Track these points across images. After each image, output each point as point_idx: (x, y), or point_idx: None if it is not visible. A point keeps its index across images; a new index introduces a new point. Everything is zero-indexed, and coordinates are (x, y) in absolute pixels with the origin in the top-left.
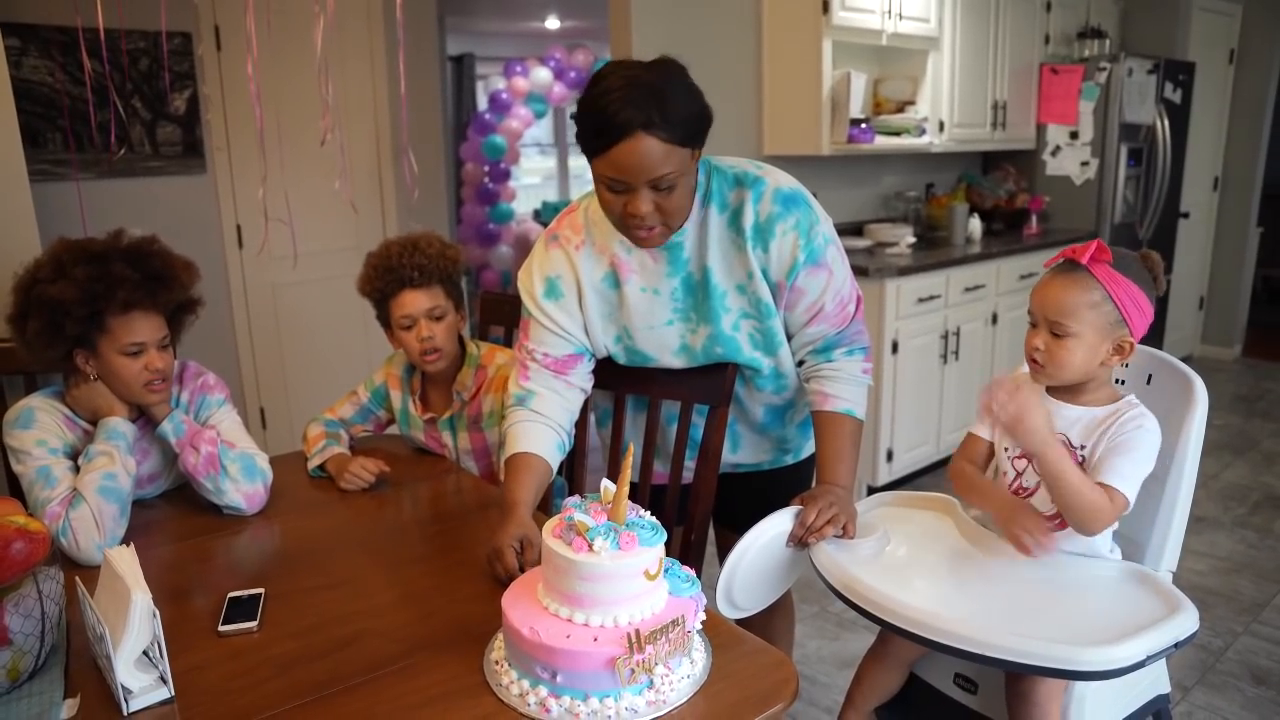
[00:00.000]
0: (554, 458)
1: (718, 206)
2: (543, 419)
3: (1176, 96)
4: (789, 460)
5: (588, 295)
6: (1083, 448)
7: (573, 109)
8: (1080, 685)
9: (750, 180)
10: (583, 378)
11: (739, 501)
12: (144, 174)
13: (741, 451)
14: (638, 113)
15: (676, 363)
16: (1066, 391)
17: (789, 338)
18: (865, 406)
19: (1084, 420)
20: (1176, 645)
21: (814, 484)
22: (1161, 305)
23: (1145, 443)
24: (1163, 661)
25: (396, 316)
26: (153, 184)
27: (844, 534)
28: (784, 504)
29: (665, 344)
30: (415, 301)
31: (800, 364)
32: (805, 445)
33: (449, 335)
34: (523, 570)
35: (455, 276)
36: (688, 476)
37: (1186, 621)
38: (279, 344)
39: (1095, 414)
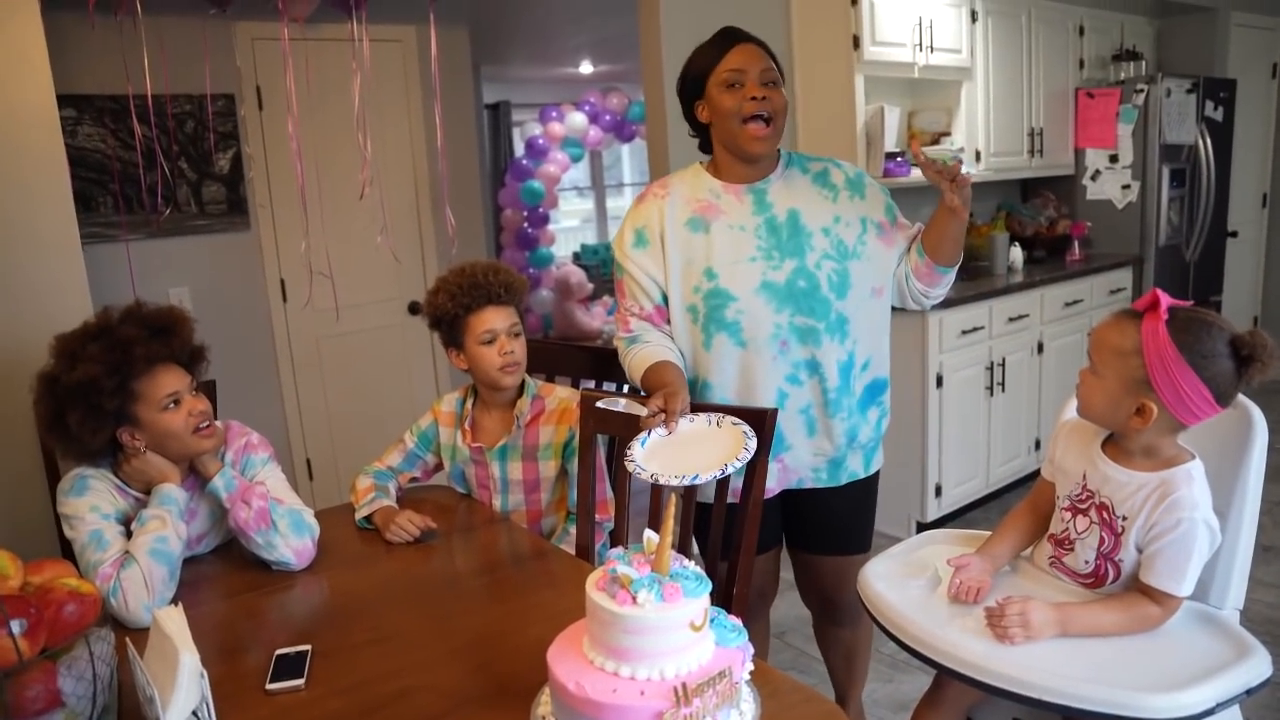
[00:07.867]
0: (682, 366)
1: (800, 169)
2: (657, 345)
3: (1218, 115)
4: (860, 471)
5: (669, 237)
6: (1124, 518)
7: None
8: None
9: (828, 158)
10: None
11: (808, 521)
12: (190, 233)
13: (817, 437)
14: (748, 33)
15: (758, 301)
16: (1117, 450)
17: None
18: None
19: (1128, 486)
20: (1248, 692)
21: None
22: None
23: (1191, 539)
24: (1236, 707)
25: (478, 331)
26: (199, 242)
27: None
28: (851, 523)
29: (748, 280)
30: (498, 317)
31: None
32: (874, 454)
33: (525, 352)
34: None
35: (524, 303)
36: None
37: (1259, 666)
38: (324, 396)
39: (1140, 480)
